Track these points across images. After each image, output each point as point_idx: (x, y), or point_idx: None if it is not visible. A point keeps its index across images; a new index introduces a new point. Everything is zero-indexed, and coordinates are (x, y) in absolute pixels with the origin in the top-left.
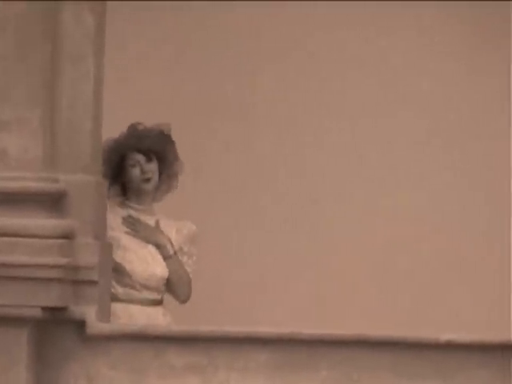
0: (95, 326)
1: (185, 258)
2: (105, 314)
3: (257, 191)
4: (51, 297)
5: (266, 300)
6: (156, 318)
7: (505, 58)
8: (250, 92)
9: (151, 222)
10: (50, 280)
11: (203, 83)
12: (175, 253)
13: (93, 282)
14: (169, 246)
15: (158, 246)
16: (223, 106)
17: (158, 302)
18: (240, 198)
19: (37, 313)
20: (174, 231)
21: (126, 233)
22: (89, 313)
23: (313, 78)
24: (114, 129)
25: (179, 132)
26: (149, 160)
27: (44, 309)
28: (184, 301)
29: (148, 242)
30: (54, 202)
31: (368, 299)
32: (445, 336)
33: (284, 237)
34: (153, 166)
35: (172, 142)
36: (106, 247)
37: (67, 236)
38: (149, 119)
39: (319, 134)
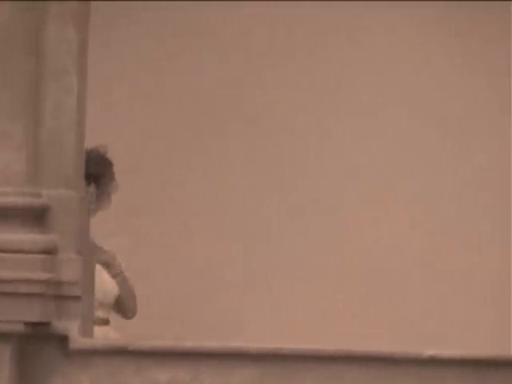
0: (78, 341)
1: (125, 274)
2: (87, 329)
3: (246, 197)
4: (34, 312)
5: (252, 312)
6: (108, 336)
7: (505, 58)
8: (250, 94)
9: None
10: (32, 295)
11: (191, 88)
12: (121, 270)
13: (75, 298)
14: (117, 264)
15: (107, 265)
16: (214, 109)
17: (107, 321)
18: (229, 201)
19: (19, 328)
20: (108, 248)
21: None
22: (71, 328)
23: (300, 80)
24: (97, 143)
25: (174, 135)
26: (88, 183)
27: (26, 324)
28: (131, 317)
29: (97, 261)
30: (36, 216)
31: (357, 311)
32: (428, 351)
33: (272, 245)
34: (92, 189)
35: (111, 164)
36: (89, 262)
37: (50, 251)
38: (134, 129)
39: (305, 139)
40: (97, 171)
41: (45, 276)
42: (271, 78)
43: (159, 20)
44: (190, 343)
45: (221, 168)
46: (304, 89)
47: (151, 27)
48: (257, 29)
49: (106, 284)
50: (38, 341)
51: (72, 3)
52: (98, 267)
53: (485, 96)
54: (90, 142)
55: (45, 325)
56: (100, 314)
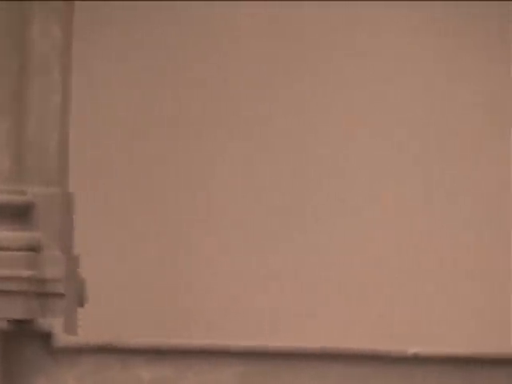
0: (62, 338)
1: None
2: (71, 327)
3: (242, 203)
4: (18, 309)
5: (239, 311)
6: None
7: (505, 58)
8: (269, 92)
9: None
10: (16, 292)
11: (191, 86)
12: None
13: (59, 295)
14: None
15: None
16: (236, 106)
17: None
18: (225, 207)
19: (3, 325)
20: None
21: None
22: (55, 325)
23: (316, 79)
24: (81, 141)
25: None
26: None
27: (10, 321)
28: (83, 304)
29: None
30: (21, 214)
31: (345, 311)
32: (412, 349)
33: (262, 246)
34: None
35: None
36: (73, 260)
37: (34, 248)
38: (117, 131)
39: (304, 141)
40: None
41: (28, 273)
42: (286, 77)
43: (150, 18)
44: (174, 341)
45: (242, 170)
46: (324, 88)
47: (143, 25)
48: (255, 29)
49: None
50: (22, 338)
51: (56, 3)
52: None
53: (480, 98)
54: (85, 141)
55: (29, 322)
56: None
